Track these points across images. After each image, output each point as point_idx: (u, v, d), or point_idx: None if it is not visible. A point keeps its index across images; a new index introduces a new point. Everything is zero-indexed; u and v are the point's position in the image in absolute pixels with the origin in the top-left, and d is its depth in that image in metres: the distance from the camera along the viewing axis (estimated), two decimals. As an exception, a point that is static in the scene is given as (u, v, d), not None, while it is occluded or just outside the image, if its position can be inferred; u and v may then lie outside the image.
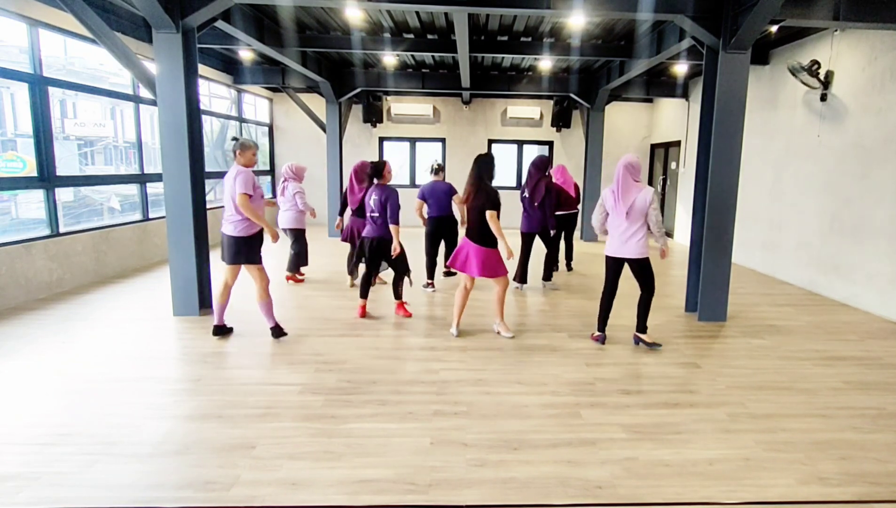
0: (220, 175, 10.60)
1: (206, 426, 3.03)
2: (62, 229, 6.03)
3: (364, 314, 5.22)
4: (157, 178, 7.65)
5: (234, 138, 4.30)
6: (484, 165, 4.52)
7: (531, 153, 12.94)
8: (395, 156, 12.81)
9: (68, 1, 4.45)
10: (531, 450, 2.83)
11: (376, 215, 5.01)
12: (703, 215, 5.31)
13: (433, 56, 8.95)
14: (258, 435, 2.93)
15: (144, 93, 7.29)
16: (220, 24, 5.63)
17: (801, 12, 4.88)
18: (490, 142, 12.60)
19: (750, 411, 3.36)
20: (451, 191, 6.24)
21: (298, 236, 6.50)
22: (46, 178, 5.73)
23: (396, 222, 4.93)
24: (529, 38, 7.78)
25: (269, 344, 4.41)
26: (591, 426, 3.12)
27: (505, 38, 7.76)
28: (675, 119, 11.05)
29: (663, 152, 11.78)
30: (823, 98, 6.53)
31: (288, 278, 6.65)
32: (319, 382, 3.66)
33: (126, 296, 5.80)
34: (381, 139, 12.59)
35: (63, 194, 6.50)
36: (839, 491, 2.53)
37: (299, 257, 6.55)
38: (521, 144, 12.67)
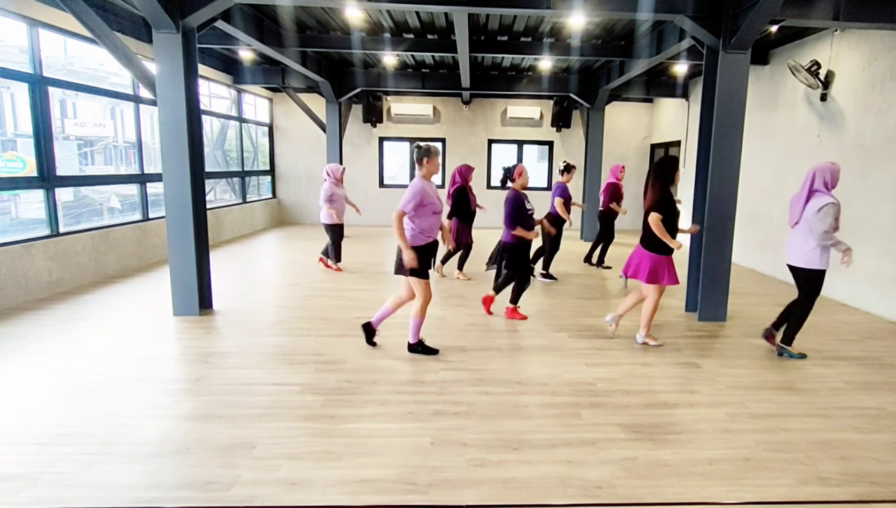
0: (220, 175, 10.62)
1: (206, 426, 3.03)
2: (62, 229, 6.02)
3: (511, 316, 5.29)
4: (157, 178, 7.65)
5: (418, 146, 4.01)
6: (660, 170, 4.37)
7: (531, 153, 12.95)
8: (395, 156, 12.83)
9: (68, 1, 4.45)
10: (531, 450, 2.83)
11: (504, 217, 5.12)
12: (703, 215, 5.31)
13: (433, 56, 8.96)
14: (258, 435, 2.93)
15: (144, 93, 7.29)
16: (220, 24, 5.63)
17: (801, 12, 4.88)
18: (490, 142, 12.60)
19: (750, 411, 3.36)
20: (554, 192, 6.81)
21: (327, 231, 7.16)
22: (46, 178, 5.73)
23: (512, 228, 4.96)
24: (529, 38, 7.78)
25: (270, 344, 4.40)
26: (591, 426, 3.12)
27: (505, 38, 7.76)
28: (675, 119, 11.05)
29: (663, 152, 11.78)
30: (823, 98, 6.53)
31: (324, 264, 7.52)
32: (319, 382, 3.66)
33: (126, 296, 5.79)
34: (381, 139, 12.59)
35: (63, 194, 6.51)
36: (839, 491, 2.53)
37: (332, 249, 7.28)
38: (521, 144, 12.67)
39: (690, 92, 10.32)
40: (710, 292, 5.25)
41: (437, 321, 5.12)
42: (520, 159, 12.67)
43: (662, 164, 4.38)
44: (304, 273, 7.22)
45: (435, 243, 4.09)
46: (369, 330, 4.39)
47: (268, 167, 12.42)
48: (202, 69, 8.78)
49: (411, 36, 7.67)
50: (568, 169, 6.85)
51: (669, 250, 4.36)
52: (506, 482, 2.54)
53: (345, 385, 3.61)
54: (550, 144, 12.65)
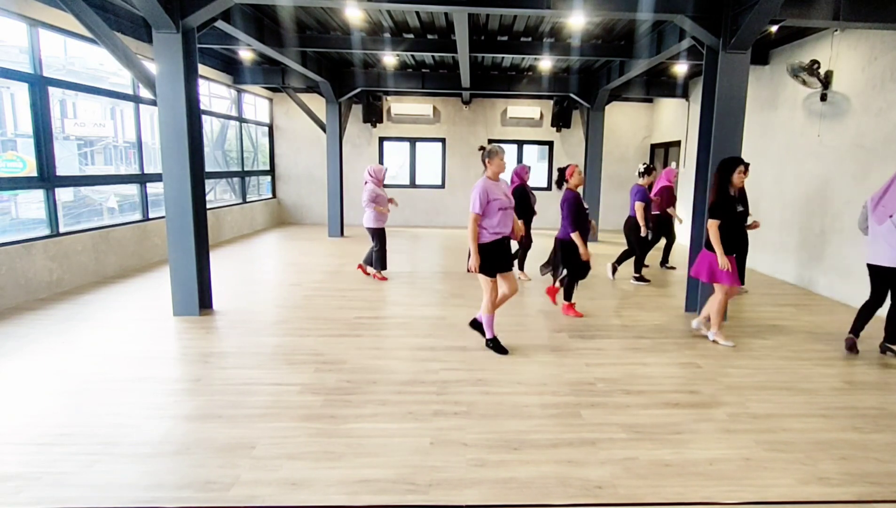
0: (220, 175, 10.62)
1: (206, 426, 3.03)
2: (62, 229, 6.02)
3: (569, 312, 5.40)
4: (157, 178, 7.65)
5: (482, 148, 4.17)
6: (718, 170, 4.43)
7: (531, 153, 12.95)
8: (395, 156, 12.82)
9: (68, 1, 4.45)
10: (531, 450, 2.83)
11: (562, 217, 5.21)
12: (703, 215, 5.31)
13: (433, 56, 8.95)
14: (258, 435, 2.93)
15: (144, 93, 7.29)
16: (220, 24, 5.63)
17: (801, 12, 4.88)
18: (490, 142, 12.58)
19: (750, 411, 3.36)
20: (634, 194, 6.76)
21: (373, 235, 6.79)
22: (46, 178, 5.73)
23: (574, 229, 5.03)
24: (529, 38, 7.78)
25: (270, 344, 4.40)
26: (592, 426, 3.12)
27: (505, 38, 7.76)
28: (675, 119, 11.05)
29: (663, 152, 11.78)
30: (823, 98, 6.53)
31: (363, 272, 7.08)
32: (319, 382, 3.66)
33: (126, 296, 5.79)
34: (381, 139, 12.59)
35: (63, 194, 6.51)
36: (840, 491, 2.53)
37: (377, 255, 6.85)
38: (521, 144, 12.67)
39: (690, 92, 10.32)
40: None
41: (438, 321, 5.13)
42: (519, 159, 12.68)
43: (720, 164, 4.43)
44: (304, 273, 7.22)
45: (503, 241, 4.15)
46: (494, 345, 4.36)
47: (268, 167, 12.42)
48: (202, 69, 8.78)
49: (411, 36, 7.67)
50: (648, 171, 6.81)
51: (730, 251, 4.39)
52: (506, 482, 2.54)
53: (345, 385, 3.61)
54: (550, 144, 12.66)
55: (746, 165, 4.42)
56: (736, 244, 4.43)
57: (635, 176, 7.59)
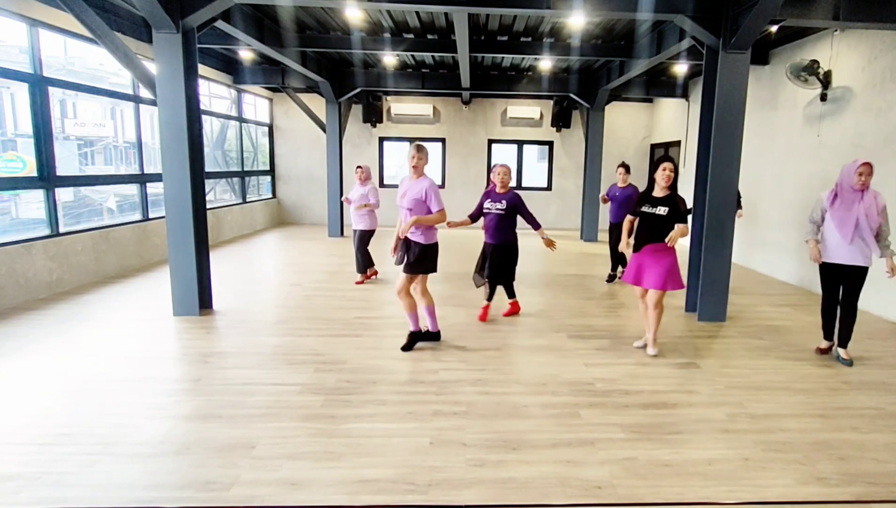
0: (220, 175, 10.63)
1: (206, 426, 3.03)
2: (62, 229, 6.03)
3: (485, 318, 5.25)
4: (157, 178, 7.65)
5: None
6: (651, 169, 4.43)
7: (531, 153, 12.95)
8: (395, 156, 12.82)
9: (68, 1, 4.45)
10: (531, 450, 2.84)
11: None
12: (703, 215, 5.31)
13: (433, 56, 8.96)
14: (258, 435, 2.93)
15: (144, 93, 7.29)
16: (220, 24, 5.63)
17: (801, 12, 4.88)
18: (490, 142, 12.60)
19: (749, 411, 3.36)
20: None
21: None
22: (46, 178, 5.73)
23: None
24: (529, 38, 7.78)
25: (270, 344, 4.41)
26: (591, 426, 3.12)
27: (505, 38, 7.76)
28: (675, 119, 11.05)
29: (663, 152, 11.78)
30: (823, 98, 6.53)
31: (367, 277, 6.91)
32: (319, 382, 3.66)
33: (126, 296, 5.80)
34: (381, 139, 12.59)
35: (63, 194, 6.51)
36: (838, 491, 2.53)
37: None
38: (520, 144, 12.67)
39: (690, 92, 10.32)
40: (709, 292, 5.25)
41: (438, 320, 5.11)
42: (520, 159, 12.68)
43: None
44: (304, 273, 7.23)
45: (400, 239, 4.23)
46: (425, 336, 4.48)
47: (268, 167, 12.42)
48: (202, 69, 8.78)
49: (411, 36, 7.67)
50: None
51: (636, 247, 4.29)
52: (505, 482, 2.55)
53: (345, 385, 3.61)
54: (550, 144, 12.65)
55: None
56: (642, 243, 4.21)
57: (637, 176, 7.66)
